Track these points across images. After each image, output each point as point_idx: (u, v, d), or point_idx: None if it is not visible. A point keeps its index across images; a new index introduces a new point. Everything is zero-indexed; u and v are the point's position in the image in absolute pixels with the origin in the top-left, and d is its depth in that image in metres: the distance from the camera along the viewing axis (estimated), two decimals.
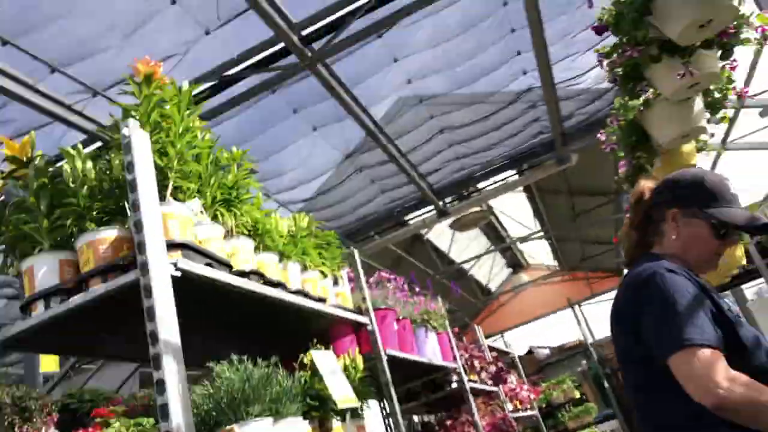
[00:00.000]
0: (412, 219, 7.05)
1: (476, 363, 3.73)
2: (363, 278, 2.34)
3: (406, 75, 4.46)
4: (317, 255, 1.99)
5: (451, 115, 5.23)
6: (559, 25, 4.15)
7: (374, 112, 4.59)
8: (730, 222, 1.44)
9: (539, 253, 11.65)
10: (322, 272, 1.99)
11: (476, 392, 3.82)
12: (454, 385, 3.46)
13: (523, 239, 10.11)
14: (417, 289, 3.13)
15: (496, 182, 6.78)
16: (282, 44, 3.45)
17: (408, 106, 4.95)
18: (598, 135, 2.59)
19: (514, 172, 6.75)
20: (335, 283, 2.12)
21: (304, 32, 3.40)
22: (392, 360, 2.28)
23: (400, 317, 2.59)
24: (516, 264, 12.59)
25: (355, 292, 2.29)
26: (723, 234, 1.46)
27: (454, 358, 3.41)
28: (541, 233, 9.71)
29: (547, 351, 11.50)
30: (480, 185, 6.82)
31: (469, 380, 3.62)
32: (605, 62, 2.07)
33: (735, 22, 1.85)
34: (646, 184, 1.61)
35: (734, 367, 1.29)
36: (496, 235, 10.42)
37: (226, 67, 3.58)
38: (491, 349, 5.46)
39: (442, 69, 4.53)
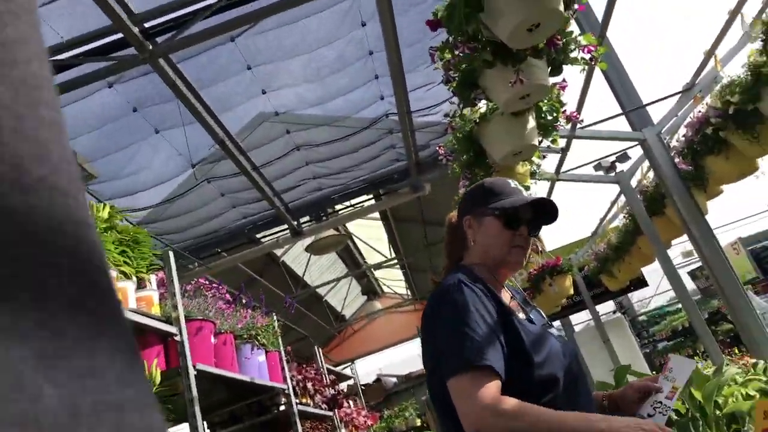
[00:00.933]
0: (265, 238, 6.83)
1: (309, 385, 3.59)
2: (177, 284, 2.13)
3: (262, 85, 4.32)
4: (118, 253, 1.77)
5: (309, 132, 5.15)
6: (416, 52, 4.25)
7: (226, 120, 4.38)
8: (509, 207, 1.51)
9: (394, 281, 11.85)
10: (123, 273, 1.78)
11: (307, 416, 3.68)
12: (282, 408, 3.30)
13: (378, 266, 10.22)
14: (245, 302, 2.96)
15: (353, 206, 6.80)
16: (120, 35, 3.18)
17: (263, 119, 4.80)
18: (437, 147, 2.63)
19: (370, 196, 6.82)
20: (141, 286, 1.91)
21: (147, 24, 3.17)
22: (204, 376, 2.09)
23: (221, 331, 2.41)
24: (371, 291, 12.70)
25: (167, 299, 2.09)
26: (511, 223, 1.52)
27: (284, 379, 3.25)
28: (395, 261, 9.88)
29: (394, 379, 11.63)
30: (337, 207, 6.80)
31: (301, 403, 3.48)
32: (439, 62, 2.09)
33: (564, 37, 1.95)
34: (454, 212, 1.69)
35: (519, 378, 1.29)
36: (353, 261, 10.45)
37: (55, 51, 3.22)
38: (330, 372, 5.35)
39: (300, 84, 4.45)
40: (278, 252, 8.61)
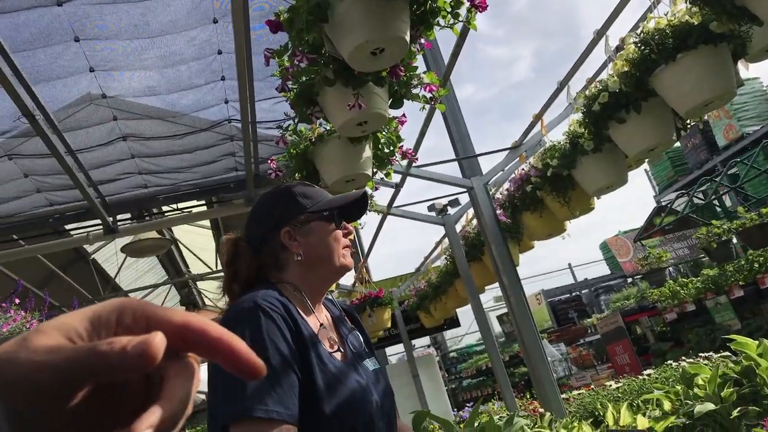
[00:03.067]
0: (73, 230, 6.12)
1: None
2: None
3: (91, 63, 3.88)
4: None
5: (141, 123, 4.72)
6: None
7: (41, 92, 3.85)
8: (339, 206, 1.41)
9: (217, 294, 11.31)
10: None
11: None
12: None
13: (202, 277, 9.70)
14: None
15: (181, 210, 6.36)
16: None
17: (89, 100, 4.31)
18: (269, 161, 2.51)
19: (202, 202, 6.44)
20: None
21: None
22: None
23: None
24: (191, 303, 11.98)
25: None
26: (339, 221, 1.42)
27: None
28: (221, 275, 9.43)
29: (203, 396, 11.01)
30: (164, 209, 6.32)
31: None
32: (277, 67, 1.98)
33: (408, 70, 1.94)
34: (228, 237, 1.48)
35: (306, 424, 1.17)
36: (174, 268, 9.80)
37: None
38: None
39: (136, 69, 4.06)
40: (89, 248, 7.79)
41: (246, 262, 1.41)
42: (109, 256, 8.35)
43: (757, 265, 6.80)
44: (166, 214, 6.46)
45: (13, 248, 5.70)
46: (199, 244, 8.92)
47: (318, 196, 1.44)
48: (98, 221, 5.78)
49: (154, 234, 7.04)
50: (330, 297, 1.55)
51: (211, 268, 9.45)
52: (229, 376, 1.15)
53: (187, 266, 9.81)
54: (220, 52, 4.06)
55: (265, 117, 4.85)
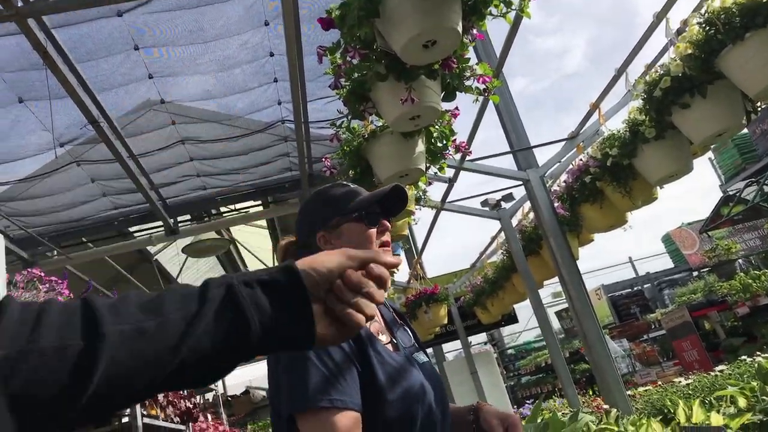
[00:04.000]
0: (137, 232, 6.36)
1: (161, 395, 3.30)
2: (2, 272, 1.85)
3: (150, 69, 4.01)
4: None
5: (197, 126, 4.86)
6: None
7: (105, 99, 4.02)
8: (368, 204, 1.41)
9: None
10: None
11: (153, 429, 3.38)
12: (125, 420, 3.00)
13: None
14: None
15: (238, 210, 6.51)
16: None
17: (148, 106, 4.46)
18: (323, 159, 2.53)
19: (258, 202, 6.57)
20: None
21: None
22: None
23: None
24: None
25: None
26: (373, 221, 1.41)
27: None
28: None
29: (264, 393, 11.26)
30: (221, 210, 6.48)
31: (149, 415, 3.18)
32: (329, 65, 1.99)
33: (460, 63, 1.91)
34: (282, 241, 1.54)
35: (370, 415, 1.19)
36: (233, 268, 10.04)
37: None
38: None
39: (192, 74, 4.18)
40: (152, 249, 8.07)
41: None
42: (171, 257, 8.63)
43: None
44: (224, 214, 6.63)
45: (83, 251, 5.96)
46: (256, 243, 9.11)
47: (351, 197, 1.45)
48: (160, 223, 5.99)
49: (213, 234, 7.24)
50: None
51: (268, 266, 9.64)
52: (292, 372, 1.18)
53: (245, 265, 10.05)
54: (272, 54, 4.12)
55: (318, 117, 4.89)
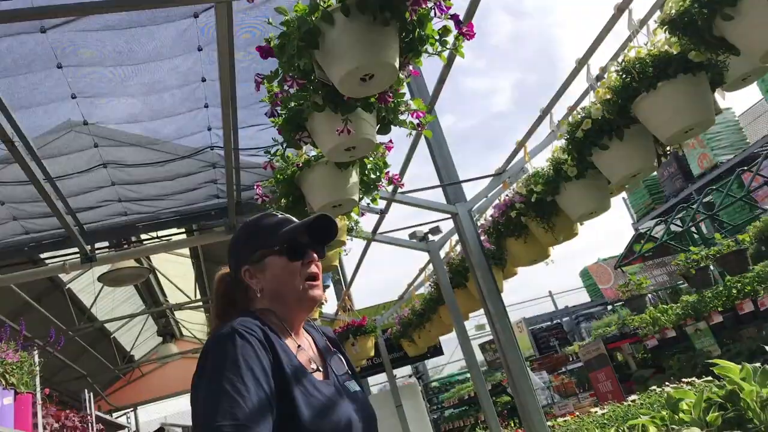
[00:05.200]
0: (48, 259, 6.00)
1: None
2: None
3: (73, 89, 3.85)
4: None
5: (122, 150, 4.68)
6: (251, 88, 4.09)
7: (20, 117, 3.81)
8: (287, 237, 1.39)
9: (195, 324, 11.13)
10: None
11: None
12: None
13: (180, 306, 9.54)
14: None
15: (160, 237, 6.28)
16: None
17: (69, 126, 4.26)
18: (255, 186, 2.51)
19: (182, 230, 6.37)
20: None
21: None
22: None
23: None
24: (168, 333, 11.77)
25: None
26: (296, 254, 1.39)
27: (34, 427, 2.75)
28: (200, 303, 9.29)
29: (179, 430, 10.75)
30: (142, 237, 6.23)
31: None
32: (266, 93, 1.98)
33: (396, 97, 1.95)
34: (221, 272, 1.53)
35: None
36: (152, 297, 9.63)
37: None
38: (101, 420, 4.73)
39: (118, 96, 4.04)
40: (64, 277, 7.62)
41: (223, 299, 1.48)
42: (85, 285, 8.18)
43: (735, 291, 6.89)
44: (145, 242, 6.37)
45: None
46: (177, 272, 8.80)
47: (278, 228, 1.43)
48: (75, 250, 5.68)
49: (132, 263, 6.93)
50: (311, 322, 1.55)
51: (189, 297, 9.30)
52: (206, 393, 1.17)
53: (164, 295, 9.66)
54: (204, 80, 4.06)
55: (248, 144, 4.83)
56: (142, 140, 4.54)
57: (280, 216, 1.46)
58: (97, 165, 4.71)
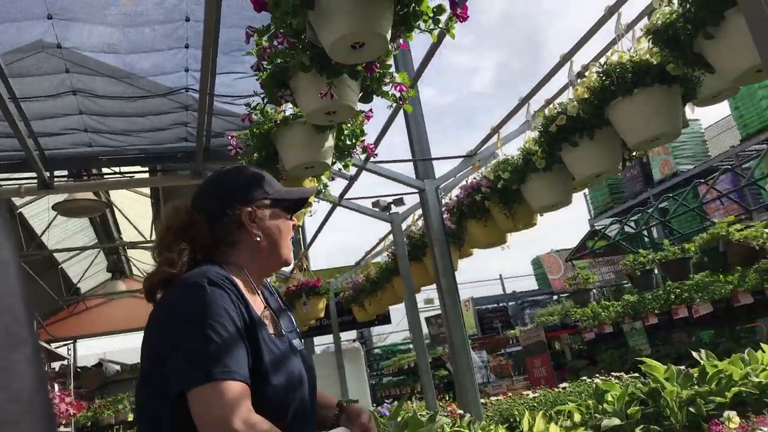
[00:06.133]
0: (3, 181, 5.83)
1: None
2: None
3: (50, 8, 3.72)
4: None
5: (94, 79, 4.55)
6: (237, 36, 4.03)
7: None
8: (299, 198, 1.46)
9: (147, 264, 11.00)
10: None
11: None
12: None
13: (134, 245, 9.42)
14: None
15: (122, 173, 6.16)
16: None
17: (42, 47, 4.12)
18: (229, 137, 2.51)
19: (146, 169, 6.26)
20: None
21: None
22: None
23: None
24: (119, 270, 11.62)
25: None
26: (291, 213, 1.46)
27: None
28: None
29: (117, 367, 10.71)
30: (104, 170, 6.10)
31: None
32: (254, 46, 1.98)
33: (382, 68, 1.98)
34: (178, 205, 1.43)
35: (252, 396, 1.21)
36: (106, 232, 9.46)
37: None
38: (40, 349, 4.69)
39: (97, 24, 3.92)
40: (17, 201, 7.42)
41: (203, 233, 1.39)
42: (38, 212, 7.98)
43: (673, 296, 7.22)
44: (106, 176, 6.25)
45: None
46: (136, 211, 8.66)
47: (273, 182, 1.48)
48: (33, 174, 5.53)
49: (90, 195, 6.80)
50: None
51: (144, 237, 9.19)
52: (191, 338, 1.18)
53: (119, 232, 9.50)
54: (188, 20, 3.97)
55: (224, 91, 4.76)
56: (116, 72, 4.42)
57: (267, 174, 1.49)
58: (67, 91, 4.58)
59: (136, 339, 12.08)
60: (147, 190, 7.68)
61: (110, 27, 3.93)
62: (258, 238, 1.39)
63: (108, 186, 6.16)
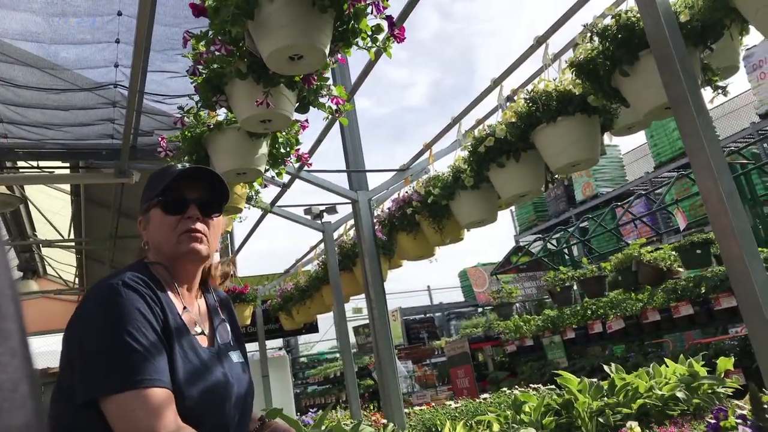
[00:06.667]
0: None
1: None
2: None
3: None
4: None
5: (14, 68, 4.33)
6: (171, 35, 3.95)
7: None
8: (162, 189, 1.37)
9: (63, 264, 10.47)
10: None
11: None
12: None
13: (50, 243, 8.95)
14: None
15: (41, 168, 5.87)
16: None
17: None
18: (159, 138, 2.46)
19: (66, 165, 5.99)
20: None
21: None
22: None
23: None
24: (31, 269, 10.98)
25: None
26: (170, 208, 1.37)
27: None
28: (72, 244, 8.77)
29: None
30: (20, 164, 5.79)
31: None
32: (190, 50, 1.96)
33: (319, 80, 2.00)
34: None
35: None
36: (19, 229, 8.94)
37: None
38: None
39: (22, 10, 3.74)
40: None
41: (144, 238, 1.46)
42: None
43: (589, 312, 7.58)
44: (21, 170, 5.93)
45: None
46: (53, 207, 8.24)
47: (163, 177, 1.41)
48: None
49: (3, 189, 6.42)
50: (211, 286, 1.57)
51: (62, 235, 8.75)
52: (103, 353, 1.14)
53: (34, 229, 9.01)
54: (120, 14, 3.85)
55: (155, 89, 4.64)
56: (39, 62, 4.22)
57: (177, 166, 1.44)
58: None
59: (49, 342, 11.44)
60: (67, 187, 7.33)
61: (33, 15, 3.76)
62: (145, 242, 1.43)
63: (24, 180, 5.86)
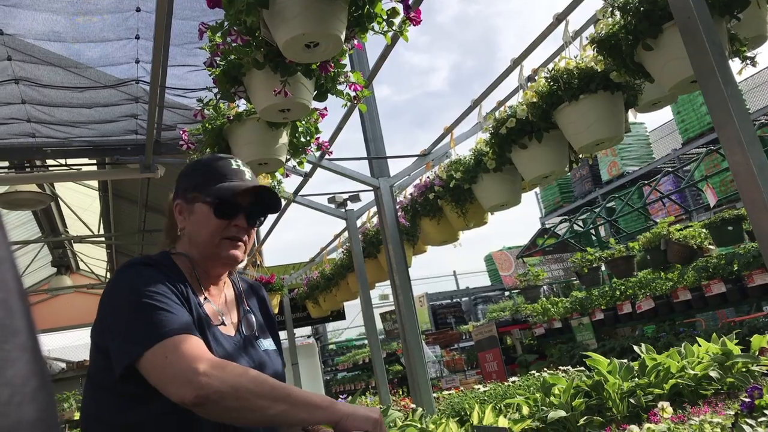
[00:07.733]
0: None
1: None
2: None
3: None
4: None
5: (38, 68, 4.41)
6: (190, 28, 3.97)
7: None
8: (225, 194, 1.36)
9: (94, 259, 10.70)
10: None
11: None
12: None
13: (81, 239, 9.14)
14: None
15: (69, 165, 5.97)
16: None
17: None
18: (180, 132, 2.47)
19: (93, 162, 6.09)
20: None
21: None
22: None
23: None
24: (64, 265, 11.25)
25: None
26: (224, 212, 1.36)
27: None
28: (103, 239, 8.94)
29: (62, 365, 10.38)
30: (49, 162, 5.91)
31: None
32: (207, 42, 1.96)
33: (337, 67, 1.99)
34: (168, 202, 1.49)
35: None
36: (51, 226, 9.15)
37: None
38: None
39: (43, 11, 3.80)
40: None
41: (172, 224, 1.46)
42: None
43: (618, 293, 7.48)
44: (50, 168, 6.05)
45: None
46: (82, 204, 8.41)
47: (221, 174, 1.39)
48: None
49: (33, 187, 6.57)
50: (241, 276, 1.57)
51: (92, 231, 8.93)
52: (124, 322, 1.17)
53: (65, 226, 9.20)
54: (138, 10, 3.88)
55: (176, 83, 4.68)
56: (63, 61, 4.29)
57: (233, 166, 1.42)
58: (8, 80, 4.42)
59: (82, 335, 11.73)
60: (95, 183, 7.46)
61: (56, 14, 3.82)
62: (179, 233, 1.42)
63: (53, 178, 5.97)
